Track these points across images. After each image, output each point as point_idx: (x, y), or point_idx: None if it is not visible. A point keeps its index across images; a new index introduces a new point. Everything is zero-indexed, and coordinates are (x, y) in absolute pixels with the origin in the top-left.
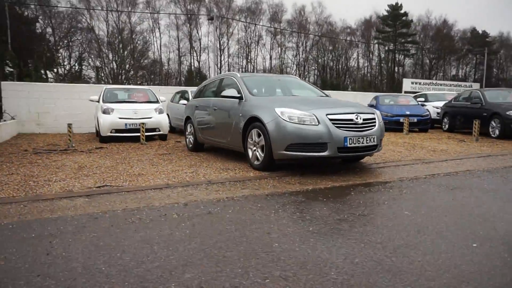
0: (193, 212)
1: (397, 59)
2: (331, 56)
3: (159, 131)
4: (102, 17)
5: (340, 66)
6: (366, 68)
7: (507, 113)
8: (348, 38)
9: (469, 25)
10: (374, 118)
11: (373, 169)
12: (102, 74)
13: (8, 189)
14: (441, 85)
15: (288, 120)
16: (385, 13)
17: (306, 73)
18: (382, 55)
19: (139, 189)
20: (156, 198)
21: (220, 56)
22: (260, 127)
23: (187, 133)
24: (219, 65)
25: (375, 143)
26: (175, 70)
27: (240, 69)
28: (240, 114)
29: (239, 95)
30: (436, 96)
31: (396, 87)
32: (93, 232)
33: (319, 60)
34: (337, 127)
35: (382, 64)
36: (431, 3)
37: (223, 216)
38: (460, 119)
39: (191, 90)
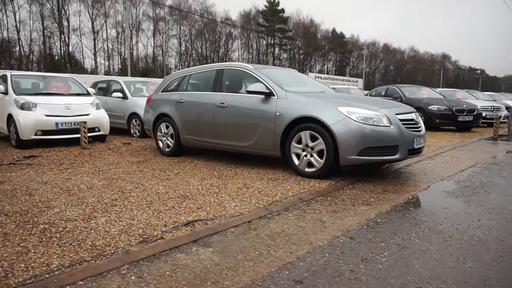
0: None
1: (275, 53)
2: (212, 46)
3: (99, 131)
4: None
5: (218, 56)
6: (246, 60)
7: (429, 107)
8: (228, 30)
9: (331, 26)
10: (418, 117)
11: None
12: None
13: None
14: (336, 80)
15: (360, 121)
16: (264, 8)
17: (186, 63)
18: (262, 48)
19: (229, 226)
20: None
21: (95, 40)
22: (317, 129)
23: (160, 134)
24: (94, 50)
25: (425, 144)
26: (38, 54)
27: (119, 56)
28: (278, 113)
29: (267, 91)
30: (346, 91)
31: None
32: None
33: (200, 50)
34: (406, 127)
35: (260, 57)
36: (300, 2)
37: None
38: None
39: (124, 80)
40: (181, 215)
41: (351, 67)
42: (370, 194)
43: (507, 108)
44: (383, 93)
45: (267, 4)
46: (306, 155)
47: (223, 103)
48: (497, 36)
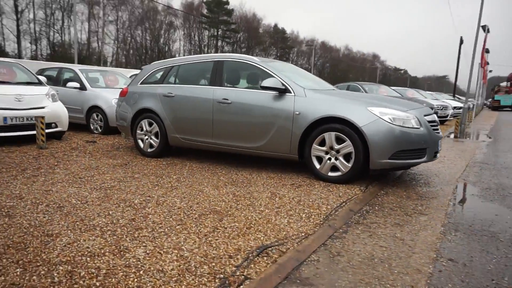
0: None
1: (219, 45)
2: (151, 36)
3: (56, 127)
4: None
5: (158, 47)
6: (189, 52)
7: None
8: (169, 19)
9: (274, 21)
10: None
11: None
12: None
13: None
14: None
15: (392, 123)
16: None
17: (125, 52)
18: (205, 40)
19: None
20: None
21: (18, 21)
22: (345, 131)
23: (140, 132)
24: (17, 32)
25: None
26: None
27: (48, 40)
28: (297, 112)
29: (282, 87)
30: None
31: None
32: None
33: (138, 39)
34: (433, 129)
35: (202, 48)
36: None
37: None
38: None
39: (81, 68)
40: (237, 240)
41: (291, 62)
42: (410, 200)
43: (454, 107)
44: (345, 89)
45: None
46: (330, 158)
47: (227, 99)
48: (417, 40)
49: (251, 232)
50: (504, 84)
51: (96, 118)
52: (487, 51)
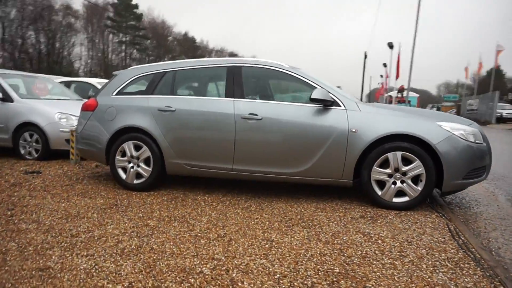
0: None
1: (128, 52)
2: (46, 38)
3: None
4: None
5: (54, 50)
6: (92, 58)
7: None
8: (68, 21)
9: (184, 29)
10: None
11: None
12: None
13: None
14: None
15: (465, 139)
16: (116, 1)
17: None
18: (112, 45)
19: None
20: None
21: None
22: (414, 150)
23: (121, 158)
24: None
25: None
26: None
27: None
28: (353, 130)
29: (330, 100)
30: None
31: None
32: None
33: (29, 40)
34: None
35: (109, 55)
36: (152, 1)
37: None
38: None
39: (1, 72)
40: None
41: None
42: (475, 221)
43: None
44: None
45: None
46: (394, 182)
47: (255, 114)
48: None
49: None
50: (394, 94)
51: (29, 139)
52: (385, 65)
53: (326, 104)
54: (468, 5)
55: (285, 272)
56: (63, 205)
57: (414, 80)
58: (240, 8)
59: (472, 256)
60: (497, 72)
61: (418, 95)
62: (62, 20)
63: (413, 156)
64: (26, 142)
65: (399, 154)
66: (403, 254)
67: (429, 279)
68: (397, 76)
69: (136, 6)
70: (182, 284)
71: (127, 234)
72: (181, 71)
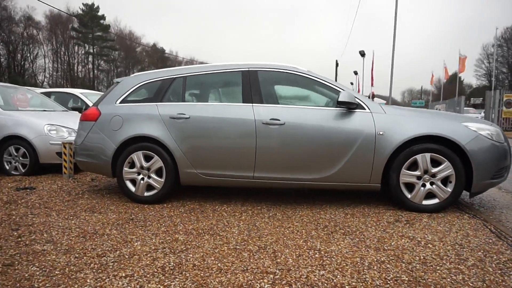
0: None
1: (95, 63)
2: (6, 50)
3: None
4: None
5: (15, 63)
6: (57, 70)
7: None
8: (29, 32)
9: (152, 40)
10: None
11: None
12: None
13: None
14: None
15: (492, 139)
16: (81, 12)
17: None
18: (79, 57)
19: None
20: None
21: None
22: (442, 151)
23: (130, 170)
24: None
25: None
26: None
27: None
28: (381, 132)
29: (355, 103)
30: None
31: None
32: None
33: None
34: None
35: (72, 66)
36: (119, 11)
37: None
38: None
39: None
40: None
41: None
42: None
43: None
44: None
45: (84, 8)
46: (424, 184)
47: (277, 119)
48: (282, 59)
49: None
50: None
51: (15, 153)
52: (355, 72)
53: (351, 107)
54: (426, 17)
55: (353, 283)
56: (73, 222)
57: (379, 87)
58: (206, 17)
59: None
60: (454, 78)
61: (385, 101)
62: (24, 32)
63: (442, 158)
64: (12, 157)
65: (428, 155)
66: (461, 258)
67: (503, 283)
68: (372, 83)
69: (102, 17)
70: None
71: (159, 250)
72: (192, 76)
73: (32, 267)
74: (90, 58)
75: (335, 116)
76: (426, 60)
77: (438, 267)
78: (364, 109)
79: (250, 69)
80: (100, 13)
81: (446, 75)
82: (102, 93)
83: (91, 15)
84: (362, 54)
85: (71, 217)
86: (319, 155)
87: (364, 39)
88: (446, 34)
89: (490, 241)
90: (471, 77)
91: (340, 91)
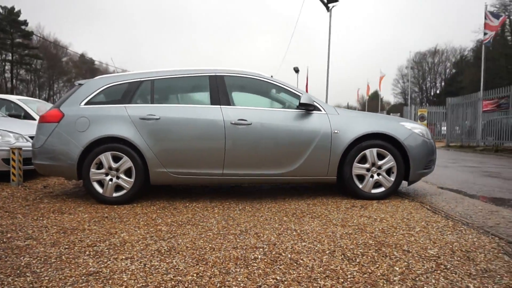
0: None
1: (14, 72)
2: None
3: None
4: None
5: None
6: None
7: None
8: None
9: (81, 50)
10: None
11: None
12: None
13: None
14: None
15: (423, 136)
16: None
17: None
18: None
19: None
20: None
21: None
22: (386, 146)
23: (97, 171)
24: None
25: None
26: None
27: None
28: (336, 131)
29: (313, 106)
30: None
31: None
32: None
33: None
34: None
35: None
36: (42, 18)
37: None
38: None
39: None
40: None
41: None
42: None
43: None
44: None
45: (2, 12)
46: (372, 176)
47: (244, 120)
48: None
49: None
50: None
51: None
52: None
53: (309, 109)
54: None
55: (332, 248)
56: (45, 221)
57: None
58: (139, 26)
59: (460, 221)
60: (376, 95)
61: None
62: None
63: (386, 152)
64: None
65: (374, 150)
66: (410, 226)
67: (444, 239)
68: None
69: (24, 23)
70: (248, 268)
71: (148, 238)
72: (158, 80)
73: (24, 258)
74: (8, 67)
75: (296, 117)
76: (352, 78)
77: (394, 234)
78: (321, 110)
79: (217, 74)
80: (22, 18)
81: (368, 91)
82: (42, 100)
83: (10, 20)
84: (296, 70)
85: (41, 218)
86: (283, 152)
87: (299, 56)
88: (371, 53)
89: (429, 215)
90: (389, 95)
91: (300, 95)
